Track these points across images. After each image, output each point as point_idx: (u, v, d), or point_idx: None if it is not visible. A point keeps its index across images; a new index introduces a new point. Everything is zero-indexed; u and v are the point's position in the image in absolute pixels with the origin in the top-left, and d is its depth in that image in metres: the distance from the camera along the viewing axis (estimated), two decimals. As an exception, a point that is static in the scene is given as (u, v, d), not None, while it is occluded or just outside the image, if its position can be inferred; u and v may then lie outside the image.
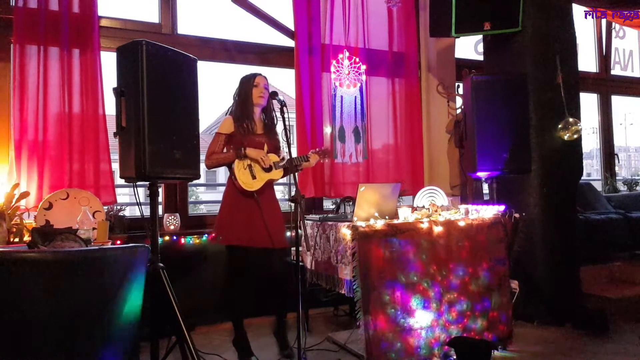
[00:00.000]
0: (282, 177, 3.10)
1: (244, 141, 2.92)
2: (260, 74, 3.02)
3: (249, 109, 2.98)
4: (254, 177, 2.92)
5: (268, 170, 2.95)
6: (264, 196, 2.95)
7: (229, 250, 2.96)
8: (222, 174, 18.99)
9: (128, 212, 3.83)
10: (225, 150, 3.00)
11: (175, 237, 3.69)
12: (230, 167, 2.95)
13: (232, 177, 2.94)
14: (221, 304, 3.70)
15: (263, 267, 2.97)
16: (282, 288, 3.02)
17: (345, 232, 2.78)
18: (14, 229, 2.90)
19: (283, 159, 3.05)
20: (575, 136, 3.64)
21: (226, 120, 2.99)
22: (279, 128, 3.05)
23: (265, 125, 3.05)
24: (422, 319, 2.79)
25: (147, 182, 2.31)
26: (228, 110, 3.10)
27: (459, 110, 4.57)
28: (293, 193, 2.60)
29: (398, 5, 4.50)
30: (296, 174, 2.78)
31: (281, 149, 3.13)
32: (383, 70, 4.52)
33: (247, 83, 2.99)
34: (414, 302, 2.78)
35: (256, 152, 2.91)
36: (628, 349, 3.08)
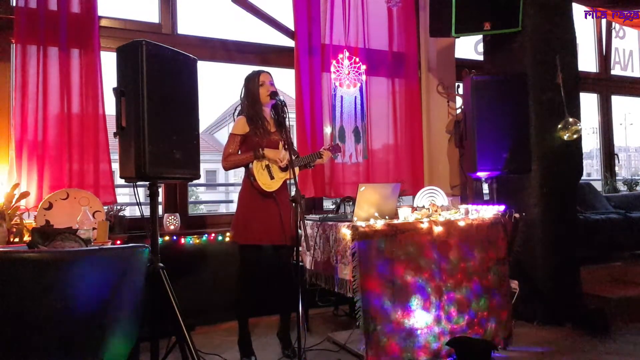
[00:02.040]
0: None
1: (261, 141, 2.92)
2: (263, 71, 3.00)
3: (259, 108, 2.97)
4: (272, 178, 2.92)
5: (285, 169, 2.96)
6: (281, 195, 2.97)
7: (243, 250, 2.95)
8: (221, 174, 19.00)
9: (128, 212, 3.82)
10: (240, 150, 3.00)
11: (175, 237, 3.69)
12: (247, 167, 2.95)
13: (250, 178, 2.93)
14: (222, 304, 3.70)
15: (274, 265, 2.99)
16: (290, 287, 3.03)
17: (345, 232, 2.78)
18: (14, 229, 2.90)
19: (297, 156, 3.05)
20: (575, 136, 3.64)
21: (240, 121, 2.97)
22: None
23: (277, 122, 3.02)
24: (421, 319, 2.79)
25: (147, 182, 2.31)
26: (236, 110, 3.10)
27: (459, 110, 4.57)
28: (293, 193, 2.60)
29: (398, 5, 4.50)
30: (296, 174, 2.78)
31: (294, 144, 3.13)
32: (383, 70, 4.52)
33: (252, 82, 2.97)
34: (414, 302, 2.78)
35: (274, 152, 2.91)
36: (628, 349, 3.08)
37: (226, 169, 3.03)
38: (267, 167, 2.92)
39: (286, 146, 2.93)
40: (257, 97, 2.96)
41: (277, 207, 2.92)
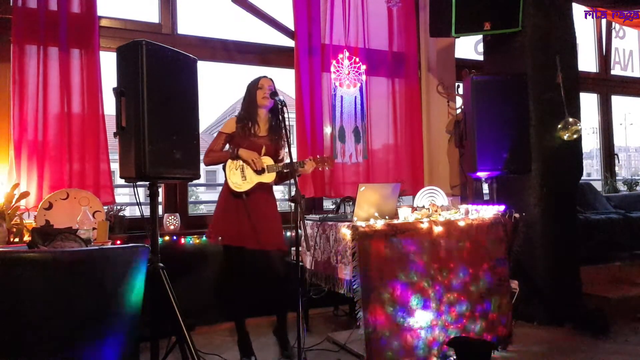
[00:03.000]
0: (278, 183, 3.08)
1: (243, 142, 2.92)
2: (265, 76, 3.02)
3: (254, 111, 2.98)
4: (244, 178, 2.92)
5: (260, 172, 2.93)
6: (254, 198, 2.93)
7: (224, 250, 2.98)
8: (221, 174, 18.96)
9: (128, 212, 3.83)
10: (224, 148, 3.02)
11: (175, 237, 3.69)
12: (224, 166, 2.96)
13: (225, 177, 2.96)
14: (221, 304, 3.70)
15: (258, 267, 2.97)
16: (282, 288, 3.03)
17: (345, 232, 2.78)
18: (14, 229, 2.90)
19: (282, 162, 3.04)
20: (575, 136, 3.64)
21: (229, 121, 3.02)
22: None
23: (271, 127, 3.03)
24: (421, 319, 2.79)
25: (147, 182, 2.31)
26: (235, 112, 3.13)
27: (459, 110, 4.57)
28: (293, 193, 2.60)
29: (398, 5, 4.50)
30: (296, 176, 2.77)
31: (284, 151, 3.08)
32: (383, 70, 4.52)
33: (253, 87, 3.00)
34: (414, 302, 2.78)
35: (248, 153, 2.90)
36: (628, 349, 3.08)
37: (206, 164, 3.04)
38: (242, 167, 2.92)
39: (285, 148, 2.93)
40: (254, 99, 2.97)
41: (245, 209, 2.89)
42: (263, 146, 2.96)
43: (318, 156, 3.14)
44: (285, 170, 2.95)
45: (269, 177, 2.95)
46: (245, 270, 2.94)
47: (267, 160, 2.95)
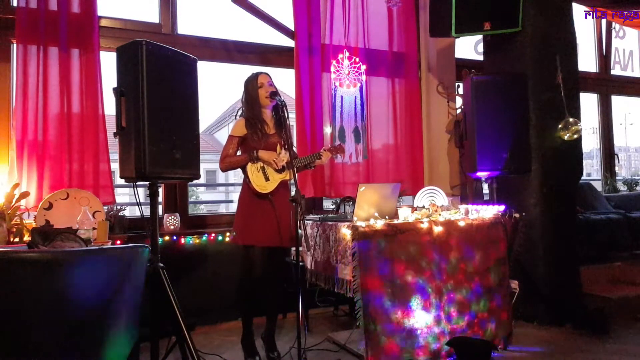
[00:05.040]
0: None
1: (258, 144, 2.91)
2: (262, 73, 3.00)
3: (259, 110, 2.97)
4: (267, 179, 2.92)
5: (281, 171, 2.94)
6: (277, 196, 2.95)
7: (245, 250, 2.95)
8: (221, 174, 18.99)
9: (128, 212, 3.82)
10: (240, 151, 3.00)
11: (175, 237, 3.68)
12: (244, 169, 2.95)
13: (246, 180, 2.94)
14: (222, 304, 3.70)
15: (271, 266, 2.98)
16: (280, 288, 3.03)
17: (345, 232, 2.78)
18: (14, 229, 2.90)
19: (296, 156, 3.04)
20: (575, 136, 3.64)
21: (238, 123, 2.98)
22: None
23: (277, 123, 3.02)
24: (422, 319, 2.79)
25: (147, 182, 2.31)
26: (237, 112, 3.11)
27: (459, 110, 4.57)
28: (293, 193, 2.60)
29: (398, 5, 4.50)
30: (296, 174, 2.77)
31: (294, 144, 3.10)
32: (383, 70, 4.52)
33: (251, 85, 2.97)
34: (414, 302, 2.78)
35: (268, 154, 2.90)
36: (628, 349, 3.08)
37: (223, 170, 3.04)
38: (263, 168, 2.92)
39: (285, 147, 2.92)
40: (256, 99, 2.95)
41: (272, 208, 2.91)
42: (277, 144, 2.96)
43: (331, 146, 3.17)
44: (304, 164, 3.05)
45: (290, 173, 2.95)
46: (263, 269, 2.93)
47: (285, 157, 2.94)
